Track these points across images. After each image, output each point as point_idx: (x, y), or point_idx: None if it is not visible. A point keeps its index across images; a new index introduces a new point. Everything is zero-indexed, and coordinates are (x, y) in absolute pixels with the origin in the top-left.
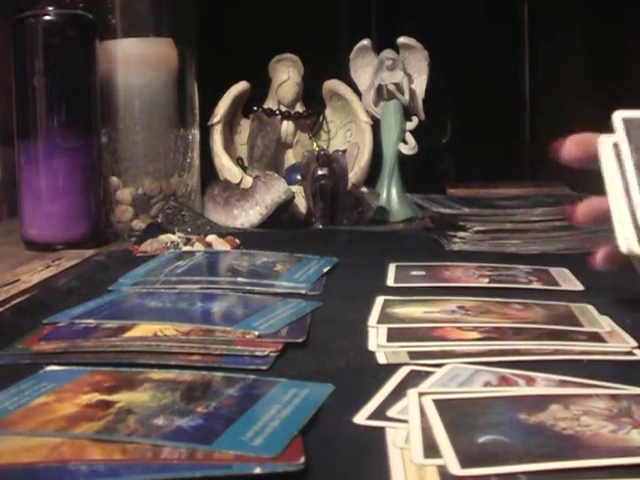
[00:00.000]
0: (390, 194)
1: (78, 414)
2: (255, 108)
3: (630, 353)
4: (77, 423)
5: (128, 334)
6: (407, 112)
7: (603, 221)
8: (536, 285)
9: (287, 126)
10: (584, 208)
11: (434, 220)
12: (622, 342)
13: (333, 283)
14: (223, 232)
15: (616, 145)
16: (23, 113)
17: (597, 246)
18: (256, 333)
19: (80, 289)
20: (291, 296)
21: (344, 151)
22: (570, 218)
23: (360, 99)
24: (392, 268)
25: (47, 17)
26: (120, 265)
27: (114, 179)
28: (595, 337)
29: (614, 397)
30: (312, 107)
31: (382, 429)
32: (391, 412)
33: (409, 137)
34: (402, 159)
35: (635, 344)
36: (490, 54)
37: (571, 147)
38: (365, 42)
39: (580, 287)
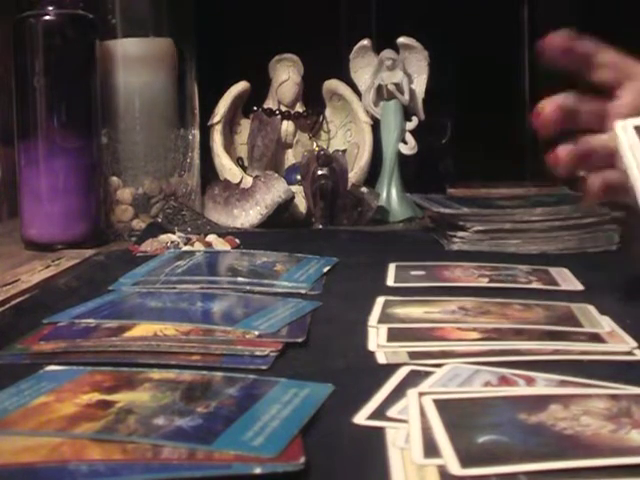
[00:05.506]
0: (390, 194)
1: (78, 414)
2: (255, 108)
3: (630, 353)
4: (77, 423)
5: (128, 334)
6: (407, 112)
7: (588, 161)
8: (536, 285)
9: (287, 126)
10: (567, 148)
11: (434, 220)
12: (622, 342)
13: (333, 283)
14: (223, 232)
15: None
16: (23, 113)
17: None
18: (256, 333)
19: (80, 289)
20: (291, 296)
21: (344, 151)
22: (552, 162)
23: (360, 99)
24: (392, 268)
25: (47, 17)
26: (120, 265)
27: (114, 179)
28: (595, 337)
29: (614, 397)
30: (312, 107)
31: (382, 429)
32: (391, 412)
33: (409, 137)
34: (402, 159)
35: (635, 344)
36: (490, 54)
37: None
38: (365, 42)
39: (580, 287)
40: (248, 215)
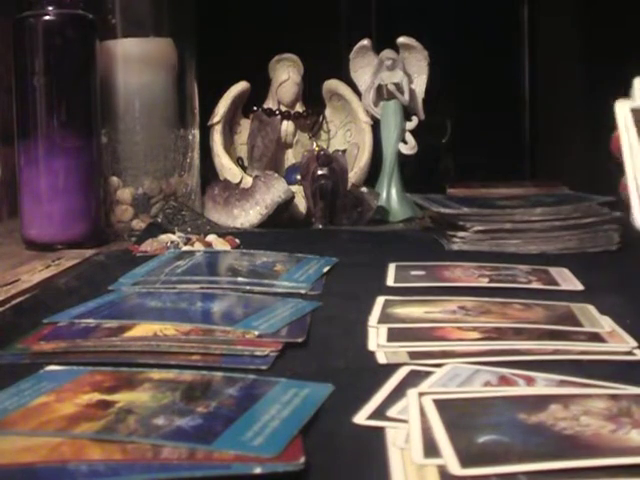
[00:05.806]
0: (390, 194)
1: (78, 414)
2: (255, 108)
3: (630, 353)
4: (77, 423)
5: (128, 334)
6: (407, 112)
7: None
8: (536, 285)
9: (287, 126)
10: None
11: (434, 220)
12: (622, 342)
13: (333, 283)
14: (223, 232)
15: (635, 111)
16: (23, 113)
17: None
18: (256, 333)
19: (80, 289)
20: (291, 296)
21: (344, 151)
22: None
23: (360, 99)
24: (392, 268)
25: (47, 17)
26: (120, 265)
27: (114, 179)
28: (595, 337)
29: (614, 397)
30: (312, 107)
31: (382, 429)
32: (391, 412)
33: (409, 137)
34: (402, 159)
35: (635, 344)
36: (490, 54)
37: None
38: (365, 42)
39: (580, 287)
40: (248, 215)
